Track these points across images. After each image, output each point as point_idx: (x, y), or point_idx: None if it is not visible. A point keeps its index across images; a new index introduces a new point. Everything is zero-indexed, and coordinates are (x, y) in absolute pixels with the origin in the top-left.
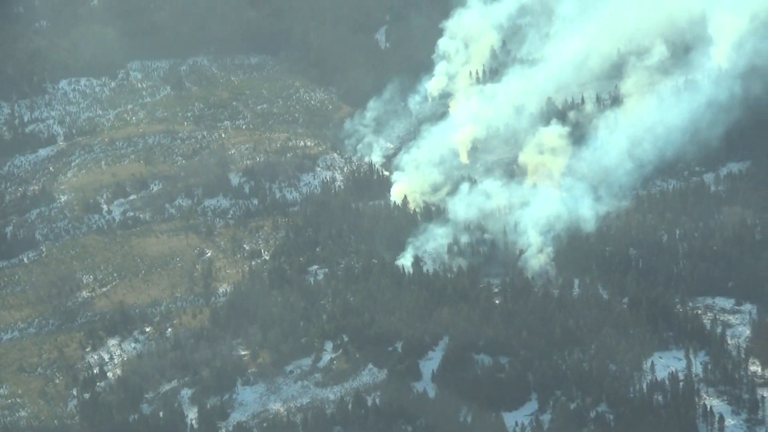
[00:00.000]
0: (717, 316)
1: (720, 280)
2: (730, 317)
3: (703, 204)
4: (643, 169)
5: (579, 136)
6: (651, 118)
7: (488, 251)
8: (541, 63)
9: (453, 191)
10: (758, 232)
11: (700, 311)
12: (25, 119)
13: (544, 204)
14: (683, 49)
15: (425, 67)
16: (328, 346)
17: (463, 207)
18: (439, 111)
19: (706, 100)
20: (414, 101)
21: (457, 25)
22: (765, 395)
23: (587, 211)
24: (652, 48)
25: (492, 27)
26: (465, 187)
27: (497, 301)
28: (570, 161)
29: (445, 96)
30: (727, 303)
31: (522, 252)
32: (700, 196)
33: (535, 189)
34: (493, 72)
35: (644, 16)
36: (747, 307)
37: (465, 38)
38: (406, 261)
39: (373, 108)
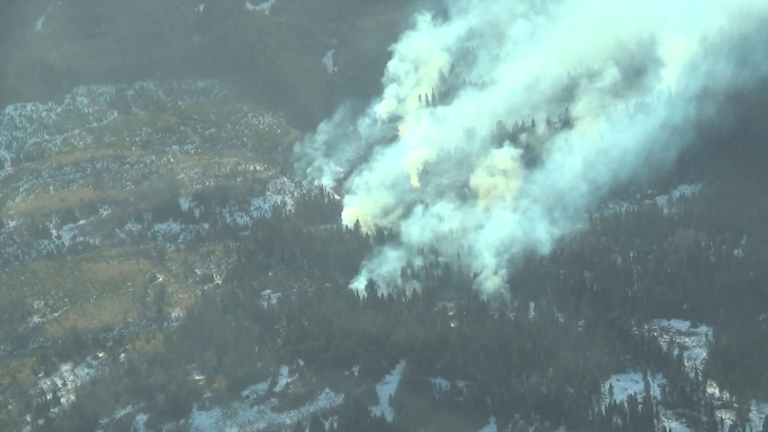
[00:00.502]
0: (673, 339)
1: (675, 303)
2: (686, 339)
3: (656, 226)
4: (597, 192)
5: (531, 158)
6: (603, 141)
7: (442, 274)
8: (491, 86)
9: (405, 214)
10: (712, 255)
11: (656, 333)
12: None
13: (498, 227)
14: (635, 72)
15: (374, 90)
16: (284, 370)
17: (416, 230)
18: (390, 134)
19: (658, 123)
20: (364, 124)
21: (407, 47)
22: (723, 417)
23: (541, 234)
24: (604, 70)
25: (442, 49)
26: (418, 210)
27: (453, 325)
28: (522, 184)
29: (395, 119)
30: (682, 325)
31: (476, 275)
32: (653, 219)
33: (488, 212)
34: (443, 95)
35: (595, 39)
36: (702, 329)
37: (415, 61)
38: (359, 285)
39: (323, 131)
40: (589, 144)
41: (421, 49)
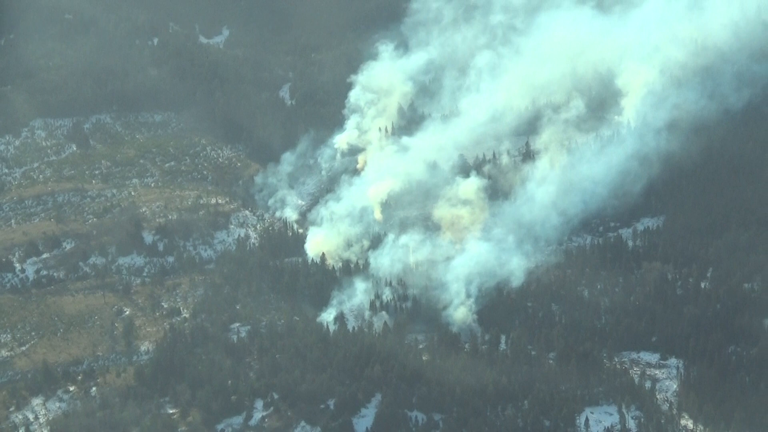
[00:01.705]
0: (644, 371)
1: (644, 335)
2: (657, 372)
3: (621, 259)
4: (561, 225)
5: (494, 190)
6: (566, 173)
7: (411, 307)
8: (453, 118)
9: (370, 247)
10: (679, 287)
11: (626, 366)
12: None
13: (465, 259)
14: (597, 104)
15: (334, 122)
16: (259, 404)
17: (383, 262)
18: (351, 166)
19: (621, 155)
20: (324, 156)
21: (368, 78)
22: None
23: (510, 266)
24: (568, 102)
25: (404, 80)
26: (384, 242)
27: (425, 358)
28: (486, 216)
29: (357, 151)
30: (652, 357)
31: (445, 307)
32: (618, 252)
33: (454, 244)
34: (404, 127)
35: (558, 71)
36: (672, 361)
37: (376, 91)
38: (328, 317)
39: (284, 164)
40: (553, 176)
41: (382, 80)
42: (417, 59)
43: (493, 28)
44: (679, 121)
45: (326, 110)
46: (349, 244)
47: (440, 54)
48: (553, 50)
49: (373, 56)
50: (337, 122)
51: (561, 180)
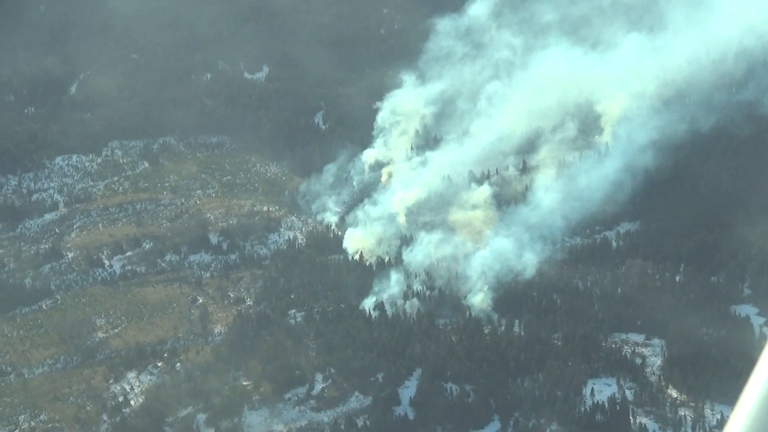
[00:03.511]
0: (634, 349)
1: (631, 319)
2: (644, 350)
3: (608, 257)
4: (568, 227)
5: (500, 198)
6: (563, 183)
7: (437, 296)
8: (465, 138)
9: (401, 245)
10: (657, 280)
11: (618, 345)
12: (31, 189)
13: (481, 256)
14: (586, 127)
15: (362, 143)
16: (319, 377)
17: (413, 258)
18: (378, 179)
19: (606, 170)
20: (356, 169)
21: (393, 104)
22: (685, 414)
23: (521, 262)
24: (562, 125)
25: (423, 106)
26: (412, 241)
27: (454, 339)
28: (495, 219)
29: (383, 165)
30: (638, 338)
31: (465, 296)
32: (604, 251)
33: (469, 243)
34: (423, 146)
35: (553, 99)
36: (656, 341)
37: (400, 114)
38: (369, 305)
39: (326, 174)
40: (552, 185)
41: (405, 105)
42: (433, 88)
43: (497, 63)
44: (653, 142)
45: (355, 133)
46: (381, 243)
47: (453, 84)
48: (548, 82)
49: (398, 85)
50: (365, 142)
51: (560, 189)
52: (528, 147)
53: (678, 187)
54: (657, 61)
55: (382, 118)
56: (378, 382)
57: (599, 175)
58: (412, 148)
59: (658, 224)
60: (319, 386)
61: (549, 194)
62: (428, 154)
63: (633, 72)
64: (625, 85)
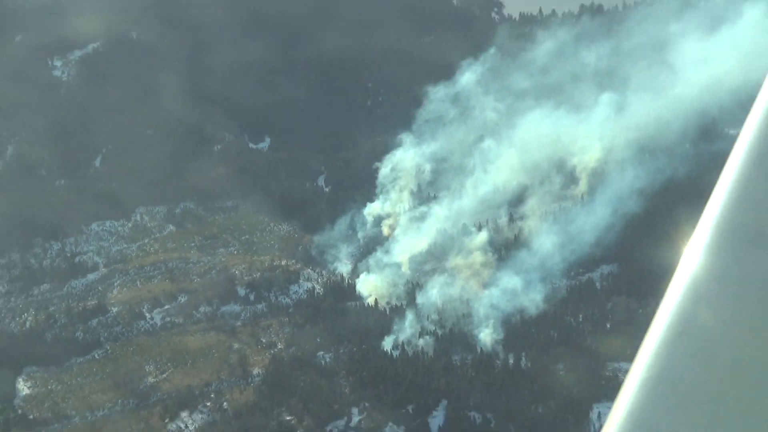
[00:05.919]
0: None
1: (621, 350)
2: None
3: (594, 296)
4: (564, 268)
5: (495, 244)
6: (546, 233)
7: (449, 335)
8: (460, 192)
9: (410, 290)
10: (641, 314)
11: (613, 373)
12: (73, 252)
13: (485, 296)
14: (569, 180)
15: (364, 200)
16: (355, 410)
17: (423, 301)
18: (382, 232)
19: (586, 218)
20: (360, 224)
21: (393, 162)
22: None
23: (524, 300)
24: (549, 178)
25: (420, 164)
26: (421, 286)
27: (472, 373)
28: (493, 262)
29: (385, 219)
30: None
31: (474, 334)
32: (590, 290)
33: (474, 286)
34: (422, 200)
35: (539, 156)
36: None
37: (400, 170)
38: (388, 345)
39: (332, 233)
40: (542, 231)
41: (404, 163)
42: (428, 148)
43: (486, 123)
44: (629, 190)
45: (356, 193)
46: (392, 288)
47: (446, 144)
48: (533, 141)
49: (398, 145)
50: (366, 200)
51: (551, 233)
52: (518, 200)
53: (651, 231)
54: (628, 119)
55: (384, 174)
56: (409, 413)
57: (582, 223)
58: (410, 202)
59: (635, 266)
60: (356, 418)
61: (540, 240)
62: (426, 208)
63: (605, 129)
64: (597, 141)
